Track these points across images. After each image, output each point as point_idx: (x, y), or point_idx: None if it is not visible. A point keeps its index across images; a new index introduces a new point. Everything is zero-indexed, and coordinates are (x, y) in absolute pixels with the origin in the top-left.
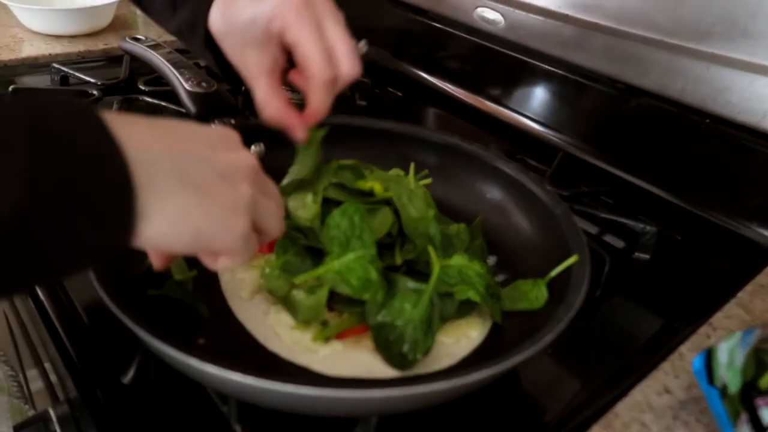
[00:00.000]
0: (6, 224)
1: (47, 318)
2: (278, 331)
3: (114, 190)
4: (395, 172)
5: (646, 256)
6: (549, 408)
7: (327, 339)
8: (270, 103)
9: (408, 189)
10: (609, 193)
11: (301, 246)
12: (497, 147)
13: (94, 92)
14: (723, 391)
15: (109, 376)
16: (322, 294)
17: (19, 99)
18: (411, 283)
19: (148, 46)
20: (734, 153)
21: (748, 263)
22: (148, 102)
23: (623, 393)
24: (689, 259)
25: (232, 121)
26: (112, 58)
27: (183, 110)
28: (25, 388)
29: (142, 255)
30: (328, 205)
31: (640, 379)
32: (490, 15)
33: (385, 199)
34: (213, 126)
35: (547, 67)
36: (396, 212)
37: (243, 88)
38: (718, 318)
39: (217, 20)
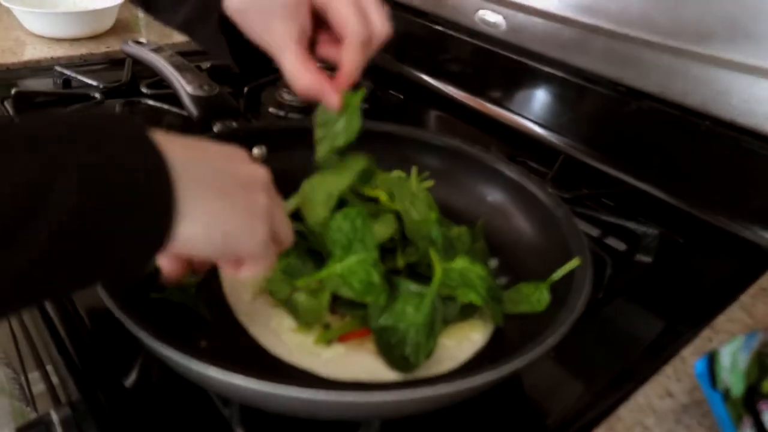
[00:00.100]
0: (68, 219)
1: (50, 321)
2: (280, 334)
3: (158, 193)
4: (397, 174)
5: (648, 259)
6: (551, 411)
7: (329, 342)
8: (302, 72)
9: (410, 192)
10: (610, 195)
11: (302, 249)
12: (498, 149)
13: (96, 95)
14: (726, 395)
15: (111, 378)
16: (324, 297)
17: (66, 114)
18: (413, 286)
19: (150, 50)
20: (735, 155)
21: (750, 266)
22: (150, 105)
23: (625, 396)
24: (691, 262)
25: (234, 124)
26: (114, 62)
27: (185, 113)
28: (26, 390)
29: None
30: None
31: (642, 382)
32: (492, 18)
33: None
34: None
35: (548, 69)
36: (398, 216)
37: (245, 90)
38: (721, 321)
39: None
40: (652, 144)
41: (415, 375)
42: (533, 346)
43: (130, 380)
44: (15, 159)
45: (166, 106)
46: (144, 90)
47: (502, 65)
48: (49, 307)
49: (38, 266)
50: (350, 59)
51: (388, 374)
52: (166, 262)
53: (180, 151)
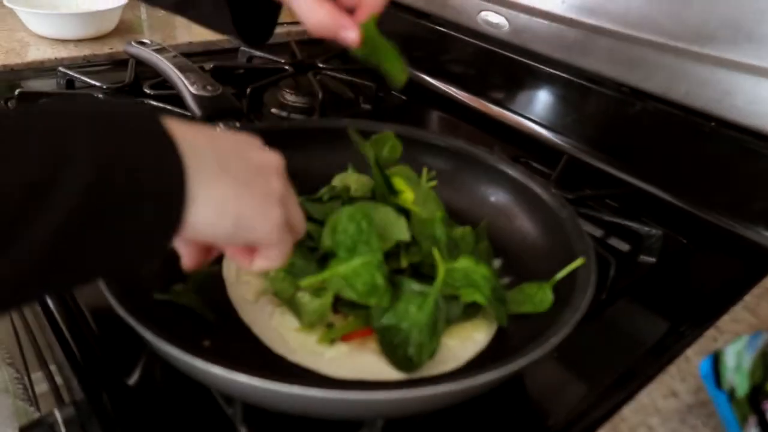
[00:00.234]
0: (76, 212)
1: (53, 320)
2: (283, 333)
3: (170, 176)
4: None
5: (652, 260)
6: (554, 412)
7: (332, 341)
8: (318, 7)
9: (424, 191)
10: (614, 196)
11: (306, 248)
12: (501, 150)
13: (100, 96)
14: (731, 395)
15: (114, 378)
16: (328, 297)
17: (78, 97)
18: (416, 286)
19: (154, 50)
20: (739, 156)
21: (754, 266)
22: (153, 106)
23: (629, 396)
24: (695, 263)
25: (237, 124)
26: (118, 62)
27: (188, 114)
28: (30, 390)
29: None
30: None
31: (646, 382)
32: (494, 19)
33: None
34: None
35: (551, 70)
36: (407, 214)
37: (248, 90)
38: (725, 321)
39: None
40: (655, 145)
41: (417, 375)
42: (536, 346)
43: (134, 379)
44: (19, 151)
45: (169, 107)
46: (147, 90)
47: (504, 66)
48: (53, 307)
49: (44, 261)
50: None
51: (391, 374)
52: (183, 249)
53: (191, 136)
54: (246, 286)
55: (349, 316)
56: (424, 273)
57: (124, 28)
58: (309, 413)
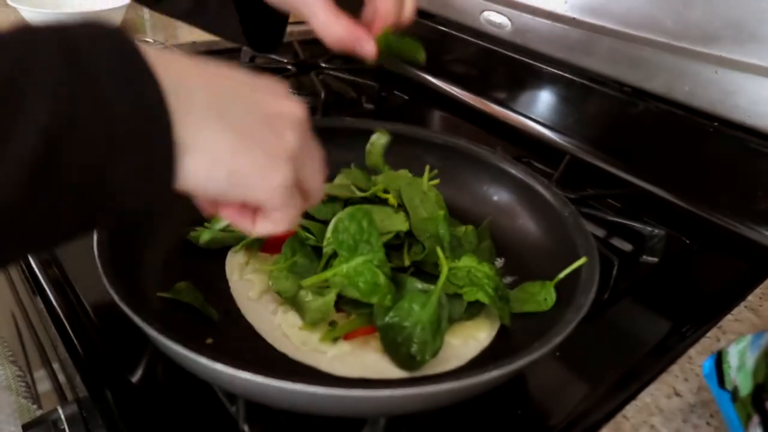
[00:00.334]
0: (38, 152)
1: (57, 317)
2: (286, 332)
3: (150, 120)
4: (403, 173)
5: (655, 260)
6: (556, 411)
7: (335, 339)
8: (335, 22)
9: (421, 191)
10: (616, 196)
11: (309, 247)
12: (504, 150)
13: None
14: (734, 394)
15: (117, 375)
16: (330, 296)
17: (47, 25)
18: (419, 284)
19: None
20: (742, 156)
21: (757, 267)
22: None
23: (632, 396)
24: (698, 263)
25: None
26: None
27: None
28: (32, 388)
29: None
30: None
31: (649, 382)
32: (497, 18)
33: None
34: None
35: (553, 70)
36: (406, 212)
37: None
38: (728, 321)
39: None
40: (658, 145)
41: (420, 373)
42: (539, 345)
43: (137, 377)
44: None
45: None
46: None
47: (507, 66)
48: (56, 304)
49: (18, 204)
50: (385, 5)
51: (394, 372)
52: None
53: (180, 70)
54: (249, 284)
55: (351, 314)
56: (427, 271)
57: (127, 28)
58: (312, 411)
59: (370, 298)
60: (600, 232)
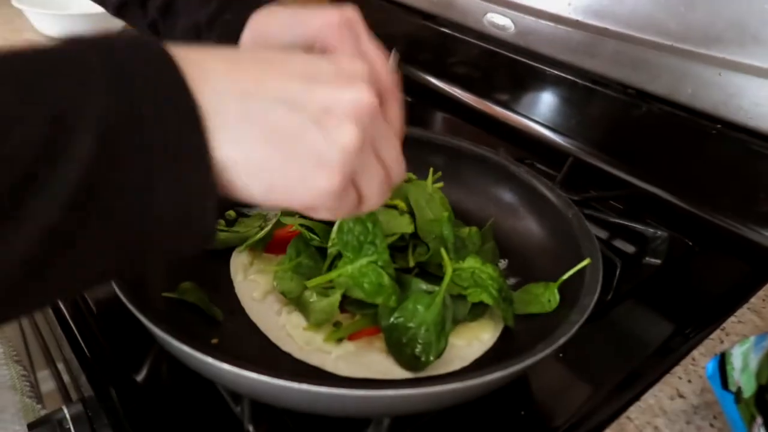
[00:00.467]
0: (84, 181)
1: (62, 317)
2: (290, 332)
3: (189, 148)
4: (408, 175)
5: (658, 261)
6: (560, 412)
7: (339, 340)
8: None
9: (426, 193)
10: (619, 197)
11: (314, 248)
12: (507, 152)
13: None
14: (737, 396)
15: (122, 374)
16: (335, 296)
17: (94, 42)
18: (424, 285)
19: None
20: (745, 158)
21: (759, 268)
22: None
23: (636, 397)
24: (700, 265)
25: None
26: None
27: None
28: (36, 388)
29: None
30: None
31: (652, 383)
32: (500, 21)
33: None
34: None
35: (556, 72)
36: (412, 214)
37: None
38: (731, 323)
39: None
40: (661, 146)
41: (424, 374)
42: (543, 346)
43: (142, 376)
44: (19, 107)
45: None
46: None
47: (510, 68)
48: (61, 304)
49: (52, 243)
50: None
51: (398, 373)
52: None
53: (216, 86)
54: (253, 284)
55: (356, 315)
56: (431, 273)
57: (131, 29)
58: (317, 411)
59: (375, 299)
60: (603, 234)
